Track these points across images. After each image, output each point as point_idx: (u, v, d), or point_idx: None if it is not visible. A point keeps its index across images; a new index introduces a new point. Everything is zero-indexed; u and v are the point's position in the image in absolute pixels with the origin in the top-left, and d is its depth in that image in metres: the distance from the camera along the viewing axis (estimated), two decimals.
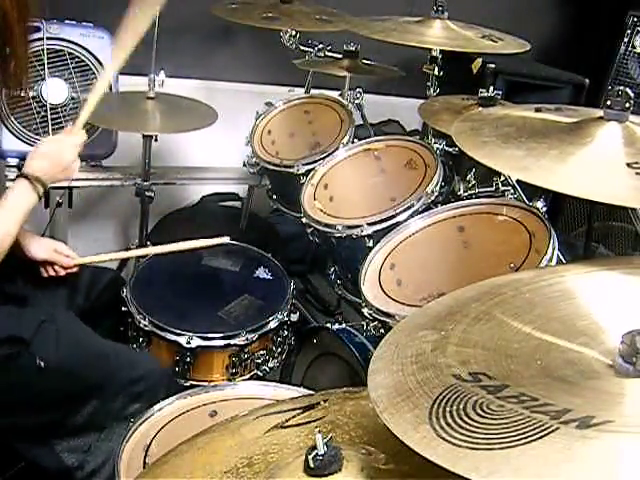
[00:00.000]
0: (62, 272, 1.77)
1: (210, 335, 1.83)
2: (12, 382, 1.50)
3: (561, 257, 1.48)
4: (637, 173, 1.05)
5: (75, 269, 1.79)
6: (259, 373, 1.92)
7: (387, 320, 1.54)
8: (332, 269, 2.05)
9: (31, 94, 2.40)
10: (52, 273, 1.76)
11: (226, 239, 1.96)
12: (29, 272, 1.74)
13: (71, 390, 1.53)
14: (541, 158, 1.12)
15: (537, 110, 1.33)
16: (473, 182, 1.95)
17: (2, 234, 1.47)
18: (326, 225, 1.92)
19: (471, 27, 2.08)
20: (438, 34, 2.03)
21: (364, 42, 2.42)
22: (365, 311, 1.60)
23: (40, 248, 1.74)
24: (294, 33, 2.52)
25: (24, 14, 1.44)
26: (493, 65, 2.68)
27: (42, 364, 1.49)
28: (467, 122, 1.35)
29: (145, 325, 1.84)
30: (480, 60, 2.68)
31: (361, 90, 2.37)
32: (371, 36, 2.00)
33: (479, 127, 1.30)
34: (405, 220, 1.76)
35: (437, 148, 2.04)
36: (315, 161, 2.13)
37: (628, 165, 1.06)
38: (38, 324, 1.54)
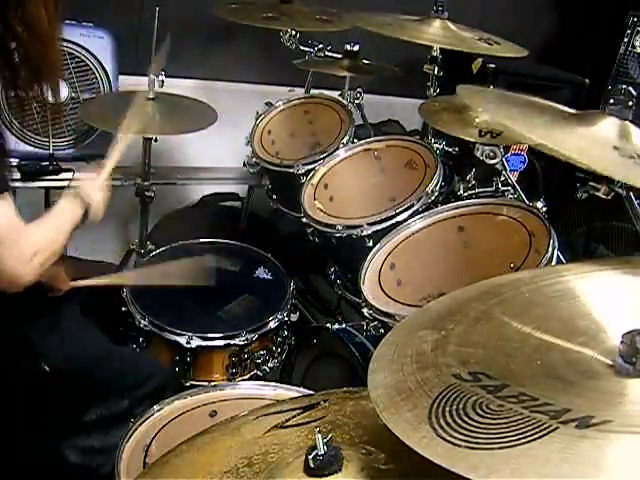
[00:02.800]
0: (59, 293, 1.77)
1: (210, 335, 1.83)
2: (17, 385, 1.50)
3: (561, 257, 1.48)
4: (621, 155, 1.06)
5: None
6: (259, 373, 1.92)
7: (387, 320, 1.54)
8: (332, 269, 2.05)
9: (31, 94, 2.40)
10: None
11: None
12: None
13: (76, 393, 1.53)
14: (531, 117, 1.15)
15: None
16: (473, 182, 1.96)
17: (46, 241, 1.43)
18: (326, 225, 1.92)
19: (470, 29, 2.08)
20: (436, 32, 2.03)
21: (364, 42, 2.42)
22: (365, 311, 1.60)
23: None
24: (294, 33, 2.52)
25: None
26: (493, 65, 2.68)
27: (47, 368, 1.49)
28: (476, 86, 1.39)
29: (145, 325, 1.84)
30: (480, 60, 2.68)
31: (361, 90, 2.37)
32: (367, 28, 2.00)
33: (486, 91, 1.32)
34: (405, 220, 1.76)
35: (437, 148, 2.04)
36: (315, 161, 2.13)
37: (615, 148, 1.08)
38: (44, 328, 1.54)
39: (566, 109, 1.27)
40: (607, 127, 1.15)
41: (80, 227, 1.61)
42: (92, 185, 1.65)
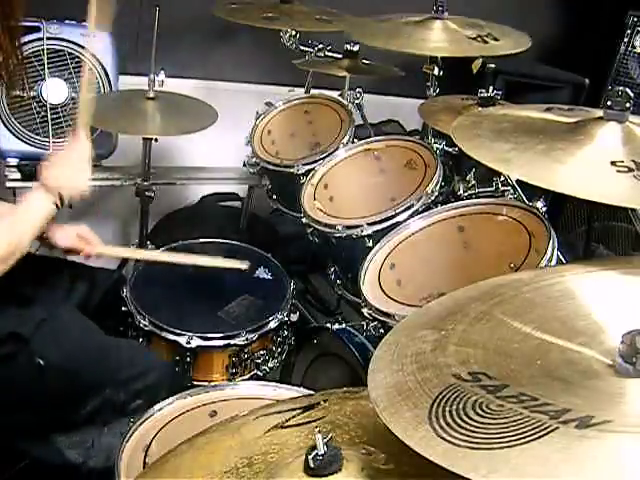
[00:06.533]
0: (82, 258, 1.78)
1: (210, 335, 1.83)
2: (12, 381, 1.50)
3: (561, 257, 1.48)
4: (618, 171, 1.05)
5: (95, 257, 1.80)
6: (259, 373, 1.92)
7: (387, 320, 1.54)
8: (332, 269, 2.04)
9: (31, 94, 2.40)
10: (74, 258, 1.77)
11: (245, 266, 1.91)
12: (31, 272, 1.74)
13: (71, 387, 1.53)
14: (525, 152, 1.12)
15: (547, 110, 1.33)
16: (473, 182, 1.95)
17: (7, 243, 1.44)
18: (326, 225, 1.91)
19: (471, 25, 2.07)
20: (437, 38, 2.02)
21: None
22: (365, 311, 1.59)
23: (64, 235, 1.75)
24: (294, 33, 2.52)
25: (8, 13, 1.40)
26: (493, 65, 2.67)
27: (41, 362, 1.49)
28: (469, 117, 1.36)
29: (145, 325, 1.84)
30: (480, 60, 2.67)
31: (361, 90, 2.37)
32: (369, 44, 2.00)
33: (479, 122, 1.31)
34: (405, 220, 1.76)
35: (437, 148, 2.04)
36: (315, 161, 2.12)
37: (612, 163, 1.07)
38: (38, 322, 1.54)
39: (565, 118, 1.26)
40: (607, 135, 1.14)
41: (65, 207, 1.57)
42: (62, 165, 1.60)
